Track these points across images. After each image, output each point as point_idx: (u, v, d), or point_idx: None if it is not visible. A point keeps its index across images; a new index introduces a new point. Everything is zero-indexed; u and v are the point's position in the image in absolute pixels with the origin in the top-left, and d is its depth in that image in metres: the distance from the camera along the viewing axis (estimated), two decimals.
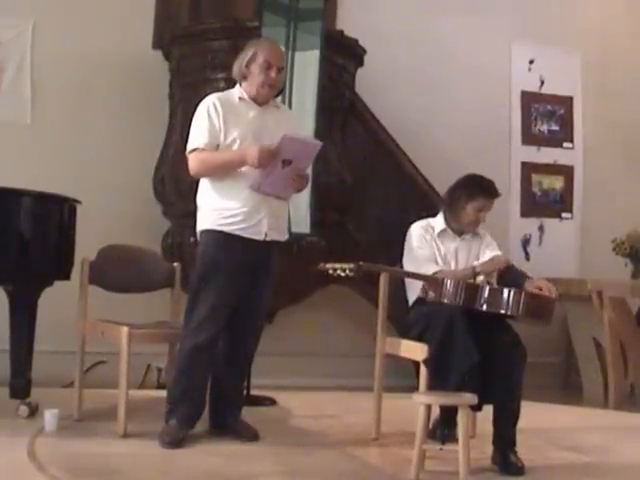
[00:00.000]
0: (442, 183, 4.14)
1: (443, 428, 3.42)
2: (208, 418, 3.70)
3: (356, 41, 5.09)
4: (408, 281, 3.77)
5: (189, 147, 3.56)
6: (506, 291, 3.34)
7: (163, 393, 3.76)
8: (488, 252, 3.77)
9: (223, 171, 3.51)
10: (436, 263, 3.69)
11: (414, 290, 3.73)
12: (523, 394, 3.36)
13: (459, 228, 3.78)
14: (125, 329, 3.59)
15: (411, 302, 3.76)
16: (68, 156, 5.16)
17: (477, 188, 3.72)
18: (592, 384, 5.47)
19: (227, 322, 3.57)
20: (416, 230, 3.79)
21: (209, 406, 3.69)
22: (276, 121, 3.61)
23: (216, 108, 3.53)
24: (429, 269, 3.62)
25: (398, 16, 5.78)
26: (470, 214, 3.72)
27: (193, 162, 3.54)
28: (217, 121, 3.51)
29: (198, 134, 3.54)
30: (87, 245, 3.96)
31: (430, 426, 3.30)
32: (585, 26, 6.22)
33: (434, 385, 3.34)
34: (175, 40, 5.07)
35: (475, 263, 3.70)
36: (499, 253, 3.78)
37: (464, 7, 5.92)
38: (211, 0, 5.46)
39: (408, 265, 3.75)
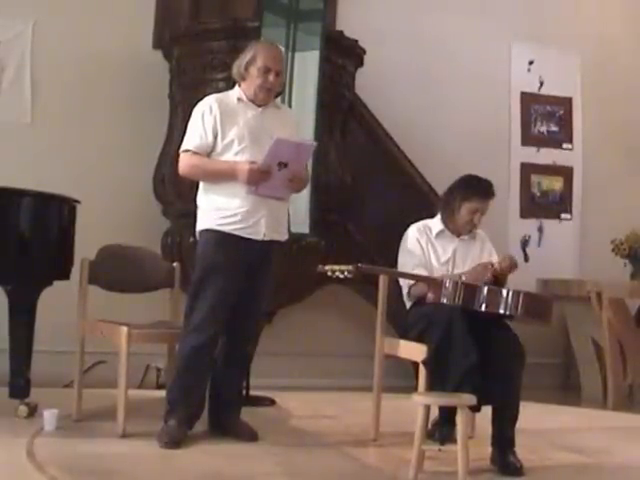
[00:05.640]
0: (441, 183, 4.14)
1: (442, 429, 3.43)
2: (207, 418, 3.70)
3: (356, 42, 5.09)
4: (402, 282, 3.77)
5: (182, 147, 3.60)
6: (505, 291, 3.35)
7: (162, 393, 3.76)
8: (487, 260, 3.76)
9: (213, 179, 3.55)
10: (425, 268, 3.69)
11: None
12: (522, 395, 3.37)
13: (456, 229, 3.78)
14: (124, 329, 3.59)
15: (407, 303, 3.76)
16: (68, 156, 5.17)
17: (472, 189, 3.72)
18: (591, 385, 5.47)
19: (226, 322, 3.57)
20: (411, 233, 3.79)
21: (208, 406, 3.69)
22: (275, 121, 3.61)
23: (212, 110, 3.54)
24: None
25: (398, 17, 5.79)
26: (464, 215, 3.72)
27: (183, 163, 3.59)
28: (212, 124, 3.52)
29: (191, 136, 3.57)
30: (87, 245, 3.96)
31: (429, 427, 3.30)
32: (584, 27, 6.23)
33: (433, 386, 3.34)
34: (175, 40, 5.07)
35: (462, 272, 3.66)
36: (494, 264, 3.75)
37: (464, 8, 5.93)
38: (211, 0, 5.48)
39: (399, 268, 3.76)
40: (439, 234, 3.78)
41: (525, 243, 6.14)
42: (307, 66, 4.62)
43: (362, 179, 5.18)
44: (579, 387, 5.59)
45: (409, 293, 3.71)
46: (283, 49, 4.39)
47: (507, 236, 6.02)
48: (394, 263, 3.82)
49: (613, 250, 5.68)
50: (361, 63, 5.23)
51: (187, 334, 3.55)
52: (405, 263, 3.74)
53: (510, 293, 3.33)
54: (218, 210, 3.53)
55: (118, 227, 4.90)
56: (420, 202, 5.15)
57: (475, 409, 3.34)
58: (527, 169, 6.19)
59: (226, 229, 3.51)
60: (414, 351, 3.51)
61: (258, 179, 3.44)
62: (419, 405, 3.10)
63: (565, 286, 5.53)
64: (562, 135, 6.28)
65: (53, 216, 3.94)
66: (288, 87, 4.50)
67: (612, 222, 5.92)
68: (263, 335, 3.83)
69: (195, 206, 3.65)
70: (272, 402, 4.60)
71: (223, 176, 3.51)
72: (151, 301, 4.20)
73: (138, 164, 5.15)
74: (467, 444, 3.01)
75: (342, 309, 5.53)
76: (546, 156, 6.23)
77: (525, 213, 6.17)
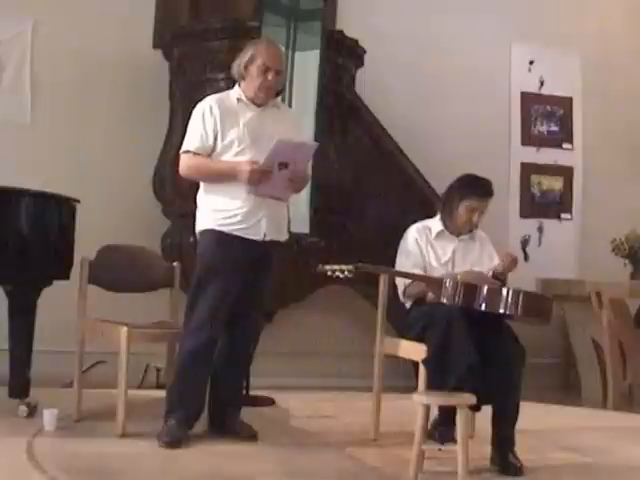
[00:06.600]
0: (441, 183, 4.13)
1: (442, 429, 3.43)
2: (207, 418, 3.70)
3: (356, 41, 5.09)
4: (398, 281, 3.77)
5: (182, 148, 3.60)
6: (505, 291, 3.34)
7: (162, 393, 3.76)
8: (487, 263, 3.76)
9: (213, 180, 3.55)
10: (422, 269, 3.68)
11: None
12: (522, 394, 3.37)
13: (455, 229, 3.78)
14: (124, 329, 3.59)
15: (406, 303, 3.76)
16: (68, 155, 5.17)
17: (470, 188, 3.71)
18: (591, 385, 5.47)
19: (226, 322, 3.57)
20: (411, 234, 3.78)
21: (208, 406, 3.69)
22: (275, 121, 3.61)
23: (212, 111, 3.54)
24: None
25: (398, 16, 5.79)
26: (463, 214, 3.71)
27: (183, 164, 3.59)
28: (212, 124, 3.52)
29: (191, 137, 3.57)
30: (86, 245, 3.96)
31: (429, 426, 3.30)
32: (585, 27, 6.23)
33: (433, 385, 3.34)
34: (175, 40, 5.07)
35: (457, 272, 3.66)
36: (495, 264, 3.74)
37: (464, 8, 5.93)
38: (211, 0, 5.47)
39: (397, 268, 3.76)
40: (439, 234, 3.78)
41: (525, 243, 6.14)
42: (307, 66, 4.62)
43: (362, 179, 5.18)
44: (579, 387, 5.59)
45: (404, 292, 3.71)
46: (283, 49, 4.40)
47: (507, 236, 6.02)
48: (394, 263, 3.82)
49: (613, 250, 5.68)
50: (361, 63, 5.23)
51: (187, 334, 3.55)
52: (402, 264, 3.74)
53: (510, 292, 3.33)
54: (219, 211, 3.53)
55: (118, 227, 4.90)
56: (420, 202, 5.15)
57: (475, 409, 3.35)
58: (527, 169, 6.19)
59: (226, 229, 3.51)
60: (414, 351, 3.51)
61: (259, 179, 3.44)
62: (419, 405, 3.09)
63: (565, 286, 5.53)
64: (562, 135, 6.28)
65: (53, 216, 3.94)
66: (288, 87, 4.50)
67: (612, 222, 5.92)
68: (263, 335, 3.83)
69: (195, 206, 3.65)
70: (272, 402, 4.60)
71: (224, 176, 3.51)
72: (151, 301, 4.20)
73: (138, 164, 5.15)
74: (467, 444, 3.01)
75: (342, 309, 5.52)
76: (546, 156, 6.23)
77: (525, 213, 6.18)
